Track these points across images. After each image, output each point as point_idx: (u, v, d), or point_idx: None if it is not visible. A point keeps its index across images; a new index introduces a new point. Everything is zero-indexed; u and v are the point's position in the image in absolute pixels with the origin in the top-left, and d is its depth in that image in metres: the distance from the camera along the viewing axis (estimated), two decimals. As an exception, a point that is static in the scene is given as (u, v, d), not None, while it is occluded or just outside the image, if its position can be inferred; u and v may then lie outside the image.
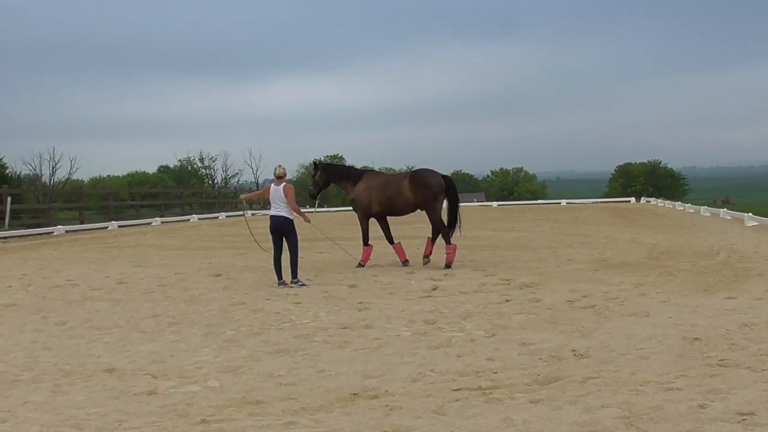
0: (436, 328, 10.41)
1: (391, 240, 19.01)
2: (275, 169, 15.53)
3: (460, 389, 7.43)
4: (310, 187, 19.76)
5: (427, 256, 18.30)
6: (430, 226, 18.40)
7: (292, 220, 15.18)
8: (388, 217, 18.98)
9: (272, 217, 15.24)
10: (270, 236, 15.26)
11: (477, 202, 69.78)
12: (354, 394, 7.38)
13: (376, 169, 16.74)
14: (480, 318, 11.04)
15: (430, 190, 18.13)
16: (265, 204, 40.05)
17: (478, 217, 40.82)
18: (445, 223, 18.39)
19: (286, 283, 14.86)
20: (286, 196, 15.15)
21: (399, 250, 18.70)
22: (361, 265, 18.20)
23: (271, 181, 16.09)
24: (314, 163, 19.81)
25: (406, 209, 18.61)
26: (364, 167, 18.24)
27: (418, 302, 12.59)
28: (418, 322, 10.89)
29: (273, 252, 15.19)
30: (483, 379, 7.75)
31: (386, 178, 19.32)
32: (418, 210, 18.49)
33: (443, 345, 9.39)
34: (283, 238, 15.12)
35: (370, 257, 18.64)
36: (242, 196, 17.79)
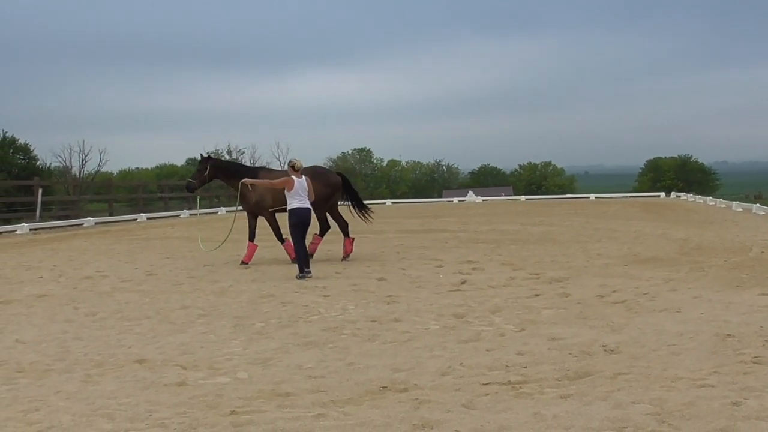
0: (465, 322, 10.37)
1: (252, 237, 18.43)
2: (295, 162, 15.60)
3: (489, 383, 7.39)
4: (190, 179, 19.08)
5: (311, 253, 18.12)
6: (333, 223, 19.28)
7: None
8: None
9: (300, 209, 15.26)
10: (293, 230, 15.23)
11: (505, 196, 69.66)
12: (383, 387, 7.36)
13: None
14: (509, 312, 10.98)
15: (330, 188, 18.74)
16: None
17: (505, 211, 40.72)
18: (345, 219, 19.39)
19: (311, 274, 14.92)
20: (308, 187, 15.50)
21: (289, 248, 17.99)
22: (244, 263, 17.75)
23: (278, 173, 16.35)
24: (203, 156, 19.18)
25: None
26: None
27: (447, 296, 12.55)
28: (447, 315, 10.85)
29: (298, 244, 15.17)
30: (512, 374, 7.71)
31: (282, 175, 18.61)
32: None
33: (472, 339, 9.35)
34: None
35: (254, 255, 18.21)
36: (246, 181, 17.65)
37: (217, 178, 18.96)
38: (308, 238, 16.30)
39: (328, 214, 19.17)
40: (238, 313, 11.57)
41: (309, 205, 15.39)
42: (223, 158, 17.97)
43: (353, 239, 18.94)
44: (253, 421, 6.46)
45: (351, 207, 19.88)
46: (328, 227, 19.07)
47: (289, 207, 15.34)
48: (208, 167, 18.48)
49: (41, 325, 11.13)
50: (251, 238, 18.25)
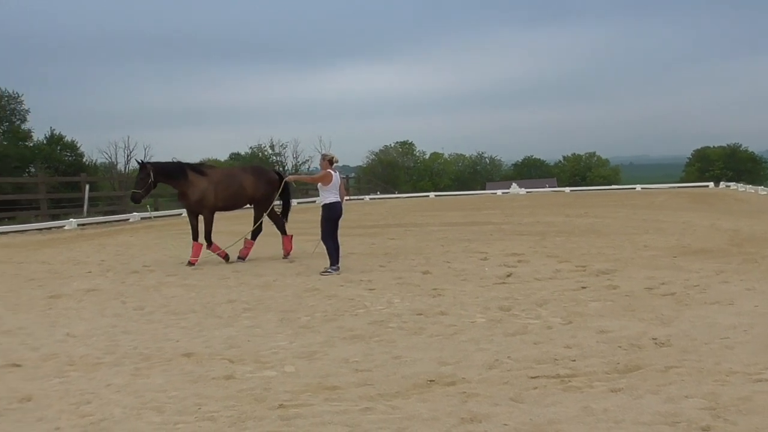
0: (511, 315, 10.32)
1: (196, 237, 17.78)
2: (332, 156, 15.59)
3: (537, 377, 7.34)
4: (134, 190, 17.54)
5: (244, 257, 18.04)
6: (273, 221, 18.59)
7: None
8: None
9: (336, 203, 15.26)
10: (327, 224, 15.22)
11: (549, 187, 69.30)
12: (430, 381, 7.34)
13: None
14: (556, 305, 10.90)
15: (271, 186, 18.36)
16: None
17: (550, 202, 40.49)
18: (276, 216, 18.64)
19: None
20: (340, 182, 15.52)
21: (198, 249, 17.52)
22: (190, 263, 17.16)
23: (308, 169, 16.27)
24: (141, 162, 17.89)
25: (243, 204, 18.73)
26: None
27: (493, 289, 12.49)
28: (493, 308, 10.80)
29: (330, 238, 15.15)
30: (561, 367, 7.66)
31: (226, 172, 18.91)
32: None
33: (519, 332, 9.30)
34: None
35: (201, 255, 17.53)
36: (291, 177, 17.63)
37: (161, 182, 17.85)
38: (233, 244, 16.59)
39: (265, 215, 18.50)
40: (283, 306, 11.60)
41: (339, 199, 15.39)
42: (176, 160, 16.78)
43: (292, 236, 18.53)
44: (301, 414, 6.48)
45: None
46: (261, 230, 18.61)
47: (325, 201, 15.25)
48: (151, 173, 17.35)
49: (91, 319, 11.25)
50: (195, 237, 17.69)
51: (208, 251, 17.61)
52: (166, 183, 17.96)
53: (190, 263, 17.18)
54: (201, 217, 17.75)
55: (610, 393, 6.75)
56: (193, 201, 17.63)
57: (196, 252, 17.47)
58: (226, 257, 17.58)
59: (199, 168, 18.18)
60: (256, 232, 18.34)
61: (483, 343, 8.82)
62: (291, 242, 18.31)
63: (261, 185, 18.14)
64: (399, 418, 6.31)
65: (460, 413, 6.35)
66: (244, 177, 18.22)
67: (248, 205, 18.76)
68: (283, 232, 18.44)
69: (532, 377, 7.33)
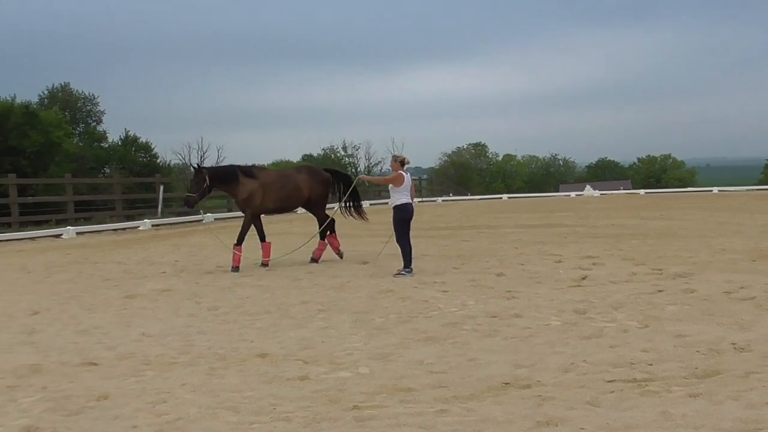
0: (586, 318, 10.20)
1: (263, 238, 17.89)
2: (404, 158, 15.53)
3: (614, 381, 7.25)
4: (189, 194, 17.32)
5: (337, 250, 18.21)
6: (318, 222, 18.35)
7: None
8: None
9: (409, 204, 15.23)
10: (400, 225, 15.18)
11: (623, 189, 68.56)
12: (505, 384, 7.28)
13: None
14: (632, 308, 10.76)
15: (325, 186, 18.31)
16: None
17: (624, 205, 40.05)
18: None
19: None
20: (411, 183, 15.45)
21: (267, 249, 17.62)
22: (263, 264, 17.25)
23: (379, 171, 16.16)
24: (197, 167, 17.68)
25: (298, 205, 18.70)
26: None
27: (567, 291, 12.38)
28: (568, 311, 10.69)
29: (405, 239, 15.10)
30: (638, 371, 7.54)
31: (279, 173, 18.60)
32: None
33: (594, 335, 9.19)
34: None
35: (242, 259, 17.09)
36: (364, 177, 17.63)
37: (216, 187, 17.55)
38: (301, 246, 16.37)
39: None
40: (357, 308, 11.61)
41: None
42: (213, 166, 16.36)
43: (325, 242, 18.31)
44: (376, 416, 6.46)
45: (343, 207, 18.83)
46: (332, 221, 18.38)
47: (397, 202, 15.18)
48: (207, 177, 17.14)
49: (166, 319, 11.38)
50: (262, 238, 17.78)
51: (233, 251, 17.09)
52: (220, 188, 17.77)
53: (263, 264, 17.24)
54: (259, 217, 17.82)
55: (688, 398, 6.64)
56: (240, 200, 17.57)
57: (266, 252, 17.53)
58: (235, 269, 16.71)
59: (250, 170, 17.97)
60: (324, 232, 18.17)
61: (558, 346, 8.73)
62: (337, 242, 18.28)
63: (316, 185, 18.05)
64: (474, 420, 6.27)
65: (535, 416, 6.29)
66: (299, 177, 18.05)
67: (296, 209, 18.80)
68: (323, 237, 18.22)
69: (609, 381, 7.24)
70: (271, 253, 17.53)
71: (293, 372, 8.02)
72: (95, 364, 8.70)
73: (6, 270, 18.43)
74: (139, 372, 8.29)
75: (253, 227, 17.67)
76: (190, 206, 17.82)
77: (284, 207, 18.30)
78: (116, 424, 6.53)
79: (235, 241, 17.18)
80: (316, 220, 18.53)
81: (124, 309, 12.34)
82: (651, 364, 7.77)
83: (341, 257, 18.06)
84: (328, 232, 18.29)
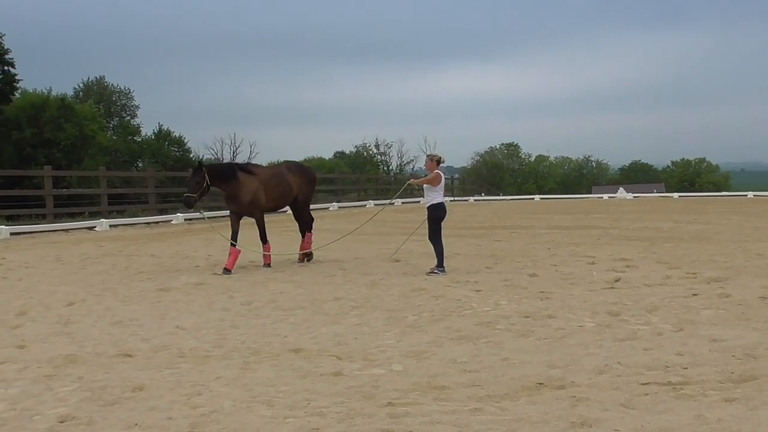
0: (620, 321, 10.15)
1: (236, 241, 16.77)
2: (440, 157, 15.50)
3: (648, 383, 7.21)
4: (188, 194, 16.29)
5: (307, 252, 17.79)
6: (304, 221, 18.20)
7: None
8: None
9: (444, 203, 15.23)
10: (434, 224, 15.15)
11: (656, 192, 68.17)
12: (539, 384, 7.27)
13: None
14: (666, 311, 10.70)
15: (313, 186, 18.28)
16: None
17: (658, 208, 39.82)
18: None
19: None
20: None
21: (235, 255, 16.30)
22: (227, 271, 15.80)
23: (418, 171, 16.10)
24: (199, 164, 16.89)
25: (287, 204, 18.31)
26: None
27: (601, 293, 12.32)
28: (602, 313, 10.65)
29: (439, 237, 15.08)
30: (672, 374, 7.50)
31: (273, 171, 17.95)
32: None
33: (629, 338, 9.15)
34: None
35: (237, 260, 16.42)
36: (413, 181, 17.64)
37: (215, 186, 16.66)
38: (332, 242, 16.25)
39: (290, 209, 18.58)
40: (390, 305, 11.63)
41: None
42: (237, 161, 15.68)
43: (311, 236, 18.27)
44: (410, 413, 6.47)
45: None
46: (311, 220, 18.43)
47: (433, 201, 15.12)
48: (207, 176, 16.30)
49: (200, 312, 11.44)
50: (235, 241, 16.64)
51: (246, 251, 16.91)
52: (219, 187, 16.74)
53: (226, 269, 15.83)
54: (240, 219, 17.13)
55: (724, 402, 6.60)
56: (245, 203, 16.66)
57: (233, 258, 16.17)
58: (267, 265, 16.71)
59: (247, 167, 17.37)
60: (304, 230, 18.06)
61: (592, 347, 8.70)
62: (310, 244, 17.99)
63: (304, 185, 17.82)
64: (508, 419, 6.26)
65: (569, 417, 6.28)
66: (290, 176, 17.64)
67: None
68: (304, 232, 18.07)
69: (643, 384, 7.21)
70: (236, 262, 16.30)
71: (327, 367, 8.04)
72: (130, 356, 8.76)
73: (42, 261, 18.60)
74: (174, 364, 8.35)
75: (231, 225, 16.95)
76: (189, 206, 16.71)
77: (276, 206, 18.08)
78: (152, 416, 6.58)
79: (261, 241, 17.05)
80: (300, 220, 18.23)
81: (158, 302, 12.42)
82: (686, 368, 7.73)
83: (303, 261, 17.56)
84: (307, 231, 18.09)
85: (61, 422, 6.50)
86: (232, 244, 16.46)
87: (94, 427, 6.35)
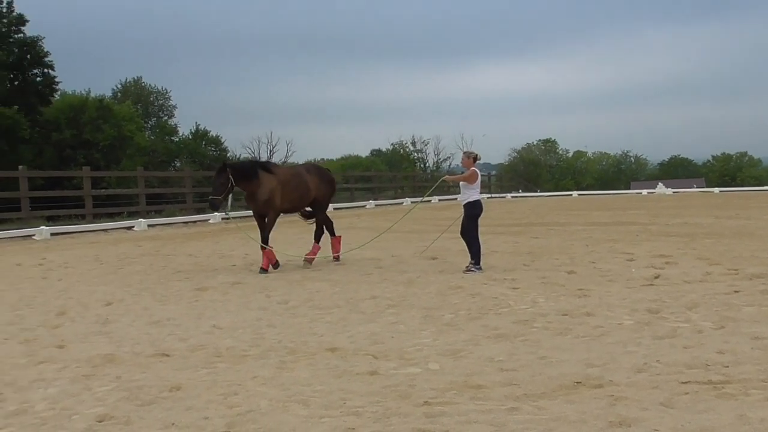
0: (659, 318, 10.04)
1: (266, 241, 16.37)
2: (476, 154, 15.42)
3: (688, 382, 7.11)
4: (213, 197, 16.04)
5: (313, 255, 17.19)
6: (320, 223, 17.80)
7: None
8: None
9: (481, 201, 15.15)
10: (472, 222, 15.06)
11: (697, 187, 67.60)
12: (577, 383, 7.19)
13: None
14: (706, 309, 10.56)
15: (331, 187, 17.83)
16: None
17: (698, 203, 39.49)
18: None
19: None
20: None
21: (270, 255, 16.16)
22: (263, 270, 15.75)
23: (454, 169, 15.95)
24: (223, 165, 16.40)
25: (306, 206, 17.67)
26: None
27: (640, 290, 12.20)
28: (641, 311, 10.54)
29: (476, 236, 14.99)
30: (713, 373, 7.40)
31: (292, 171, 17.60)
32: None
33: (668, 335, 9.04)
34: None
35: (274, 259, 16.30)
36: (448, 178, 17.49)
37: (237, 186, 16.28)
38: (369, 241, 16.11)
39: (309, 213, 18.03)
40: (426, 304, 11.58)
41: None
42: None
43: (340, 237, 18.07)
44: (446, 412, 6.43)
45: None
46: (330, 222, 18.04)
47: (470, 199, 15.00)
48: (231, 176, 15.96)
49: (236, 311, 11.46)
50: (266, 242, 16.30)
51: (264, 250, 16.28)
52: (240, 185, 16.30)
53: (263, 269, 15.85)
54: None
55: (767, 402, 6.49)
56: (261, 201, 16.26)
57: (269, 257, 16.11)
58: (275, 264, 16.19)
59: (267, 166, 17.04)
60: (319, 234, 17.65)
61: (631, 345, 8.61)
62: (340, 243, 17.80)
63: (323, 185, 17.44)
64: (545, 419, 6.20)
65: (608, 416, 6.21)
66: (309, 177, 17.27)
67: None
68: (319, 237, 17.64)
69: (683, 382, 7.11)
70: (271, 261, 16.31)
71: (363, 367, 8.02)
72: (168, 355, 8.79)
73: (80, 261, 18.75)
74: (210, 364, 8.36)
75: (258, 226, 16.61)
76: (215, 209, 16.85)
77: (295, 208, 17.53)
78: (188, 415, 6.59)
79: (261, 242, 16.30)
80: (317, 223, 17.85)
81: (195, 301, 12.46)
82: (727, 366, 7.62)
83: (337, 260, 17.40)
84: (330, 235, 17.77)
85: (99, 422, 6.53)
86: (262, 247, 16.25)
87: (132, 427, 6.37)
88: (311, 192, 17.18)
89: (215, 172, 16.26)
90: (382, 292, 12.71)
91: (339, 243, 17.76)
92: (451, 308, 11.14)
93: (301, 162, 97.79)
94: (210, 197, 16.22)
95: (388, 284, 13.57)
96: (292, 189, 16.75)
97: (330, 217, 18.05)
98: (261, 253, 16.31)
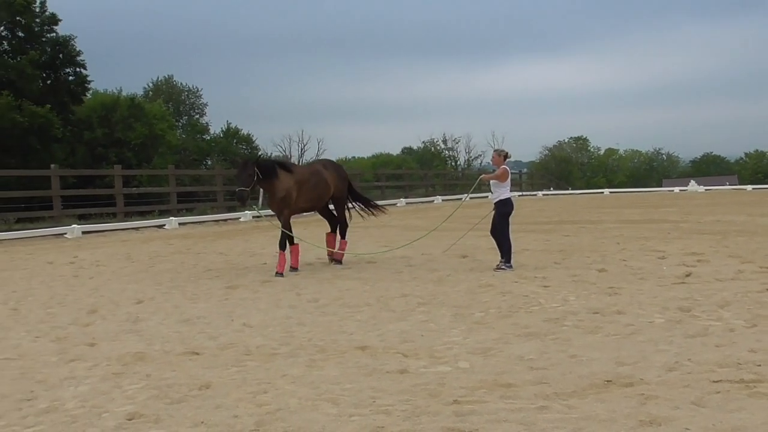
0: (691, 316, 9.97)
1: (292, 240, 16.05)
2: (507, 152, 15.37)
3: (720, 381, 7.05)
4: (242, 188, 15.26)
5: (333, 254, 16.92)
6: (336, 220, 17.32)
7: None
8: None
9: (512, 199, 15.11)
10: (504, 220, 14.99)
11: (729, 185, 67.10)
12: (608, 381, 7.15)
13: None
14: (738, 307, 10.47)
15: (345, 183, 17.25)
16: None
17: (730, 201, 39.21)
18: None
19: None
20: None
21: (283, 259, 15.47)
22: (280, 274, 15.12)
23: (485, 167, 15.84)
24: (252, 159, 15.67)
25: (324, 204, 17.13)
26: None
27: (671, 288, 12.12)
28: (672, 309, 10.47)
29: (508, 234, 14.92)
30: (745, 372, 7.33)
31: (310, 169, 16.84)
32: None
33: (700, 334, 8.97)
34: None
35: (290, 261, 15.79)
36: (485, 177, 17.43)
37: (259, 182, 15.60)
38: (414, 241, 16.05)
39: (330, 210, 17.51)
40: (457, 302, 11.56)
41: None
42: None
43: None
44: (476, 411, 6.41)
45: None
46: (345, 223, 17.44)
47: (502, 197, 14.93)
48: (257, 171, 15.31)
49: (266, 310, 11.49)
50: (291, 241, 16.00)
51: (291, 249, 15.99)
52: (261, 183, 15.62)
53: (293, 268, 15.68)
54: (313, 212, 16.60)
55: (799, 401, 6.43)
56: (277, 199, 15.77)
57: (283, 260, 15.48)
58: (280, 273, 15.18)
59: (285, 164, 16.53)
60: (344, 230, 17.27)
61: (662, 344, 8.55)
62: (345, 247, 17.16)
63: (339, 182, 16.96)
64: (576, 418, 6.17)
65: (638, 415, 6.17)
66: (327, 174, 16.70)
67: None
68: (343, 236, 17.23)
69: (715, 381, 7.05)
70: (346, 250, 16.75)
71: (393, 365, 8.01)
72: (198, 354, 8.82)
73: (112, 259, 18.86)
74: (240, 362, 8.38)
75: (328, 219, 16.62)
76: (242, 202, 15.77)
77: (313, 207, 17.04)
78: (218, 413, 6.60)
79: (279, 247, 15.76)
80: (333, 220, 17.42)
81: (225, 299, 12.50)
82: (759, 365, 7.55)
83: (334, 262, 16.79)
84: (341, 237, 17.25)
85: (129, 420, 6.55)
86: (281, 247, 15.71)
87: (161, 425, 6.39)
88: (330, 189, 16.73)
89: (240, 165, 15.57)
90: (413, 291, 12.70)
91: (345, 246, 17.21)
92: (481, 306, 11.12)
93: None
94: (238, 189, 15.39)
95: (419, 282, 13.57)
96: (311, 188, 16.24)
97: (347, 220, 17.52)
98: (279, 254, 15.67)
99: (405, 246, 17.78)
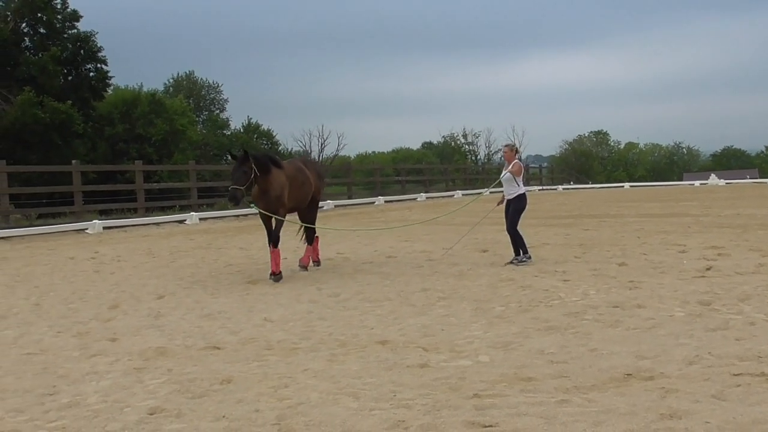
0: (711, 310, 9.95)
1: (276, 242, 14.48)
2: (517, 146, 15.31)
3: (741, 374, 7.04)
4: (236, 187, 13.75)
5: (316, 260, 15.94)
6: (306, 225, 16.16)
7: None
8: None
9: (526, 194, 15.07)
10: (519, 216, 14.97)
11: (750, 178, 66.73)
12: (628, 375, 7.16)
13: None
14: (759, 300, 10.44)
15: (322, 182, 16.46)
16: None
17: (751, 194, 39.01)
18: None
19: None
20: None
21: (277, 255, 14.32)
22: (273, 274, 14.10)
23: (498, 162, 15.79)
24: (244, 153, 14.15)
25: (306, 203, 15.78)
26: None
27: (692, 282, 12.10)
28: (693, 302, 10.45)
29: (517, 229, 14.91)
30: (766, 365, 7.31)
31: (295, 165, 15.57)
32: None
33: (720, 327, 8.96)
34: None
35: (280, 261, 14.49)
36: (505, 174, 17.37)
37: (255, 180, 14.12)
38: (456, 242, 16.02)
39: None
40: (477, 296, 11.57)
41: None
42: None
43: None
44: (496, 405, 6.42)
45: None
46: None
47: (518, 192, 14.93)
48: (254, 166, 14.02)
49: (287, 304, 11.52)
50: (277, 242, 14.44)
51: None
52: (256, 180, 14.14)
53: (276, 275, 14.11)
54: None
55: (820, 394, 6.42)
56: (273, 197, 14.37)
57: (276, 260, 14.31)
58: (276, 275, 14.13)
59: (275, 158, 15.09)
60: (311, 235, 16.00)
61: (682, 337, 8.54)
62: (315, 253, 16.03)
63: (318, 181, 15.92)
64: (596, 411, 6.17)
65: (659, 409, 6.17)
66: (308, 172, 15.59)
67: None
68: (310, 241, 15.97)
69: (735, 374, 7.05)
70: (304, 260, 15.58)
71: (413, 359, 8.03)
72: (219, 348, 8.87)
73: (133, 254, 18.95)
74: (261, 357, 8.42)
75: (265, 226, 14.97)
76: (236, 202, 14.20)
77: (297, 207, 15.73)
78: (239, 408, 6.64)
79: (273, 244, 14.42)
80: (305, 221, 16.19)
81: (246, 294, 12.55)
82: (780, 359, 7.54)
83: (304, 269, 15.43)
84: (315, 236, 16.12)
85: (151, 414, 6.60)
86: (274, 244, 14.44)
87: (183, 419, 6.44)
88: (312, 188, 15.64)
89: (237, 161, 14.08)
90: (433, 285, 12.71)
91: (315, 252, 16.13)
92: (501, 300, 11.13)
93: (352, 156, 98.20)
94: (231, 187, 13.93)
95: (439, 276, 13.58)
96: (299, 185, 15.12)
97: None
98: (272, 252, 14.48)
99: (398, 227, 17.74)
